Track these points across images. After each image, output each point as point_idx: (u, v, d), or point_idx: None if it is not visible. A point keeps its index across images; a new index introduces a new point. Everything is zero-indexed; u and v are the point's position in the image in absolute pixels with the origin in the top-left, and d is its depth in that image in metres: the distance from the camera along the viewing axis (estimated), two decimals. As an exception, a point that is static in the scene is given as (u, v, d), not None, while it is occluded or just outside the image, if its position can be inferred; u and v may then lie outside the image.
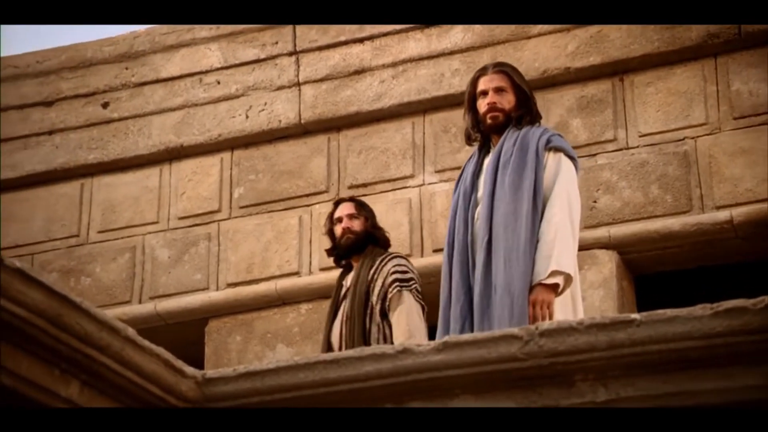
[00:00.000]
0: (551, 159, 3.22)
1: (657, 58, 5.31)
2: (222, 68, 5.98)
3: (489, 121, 3.32)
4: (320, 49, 5.85)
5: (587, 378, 2.17)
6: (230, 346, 5.55)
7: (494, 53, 5.56)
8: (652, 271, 5.27)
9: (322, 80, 5.82)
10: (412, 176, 5.60)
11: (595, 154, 5.34)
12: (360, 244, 3.96)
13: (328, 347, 3.89)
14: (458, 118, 5.65)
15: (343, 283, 4.01)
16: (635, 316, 2.19)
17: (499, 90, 3.33)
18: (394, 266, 3.85)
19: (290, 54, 5.91)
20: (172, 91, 6.05)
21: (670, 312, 2.17)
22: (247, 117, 5.90)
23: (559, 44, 5.46)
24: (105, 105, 6.15)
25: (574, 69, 5.42)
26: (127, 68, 6.15)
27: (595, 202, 5.27)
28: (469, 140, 3.43)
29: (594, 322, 2.20)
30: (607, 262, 5.13)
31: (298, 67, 5.88)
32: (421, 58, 5.67)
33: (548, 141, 3.26)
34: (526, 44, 5.52)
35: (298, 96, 5.85)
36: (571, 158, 3.32)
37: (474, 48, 5.59)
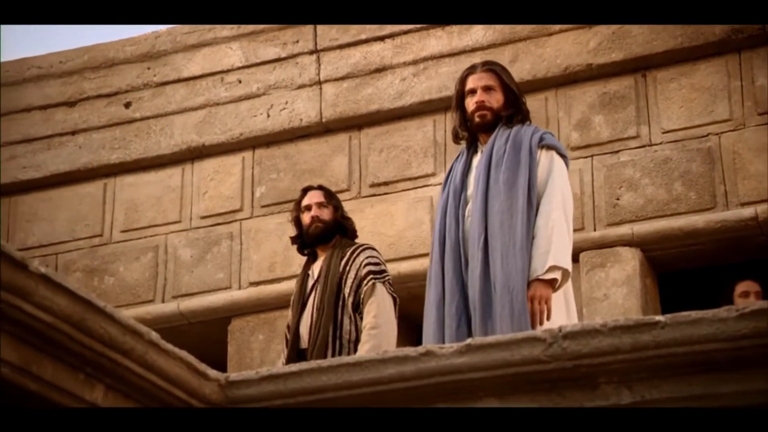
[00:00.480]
0: (544, 156, 3.21)
1: (680, 54, 5.27)
2: (243, 67, 5.99)
3: (477, 119, 3.31)
4: (341, 47, 5.85)
5: (611, 380, 2.16)
6: (253, 345, 5.56)
7: (515, 50, 5.54)
8: (676, 269, 5.24)
9: (343, 78, 5.81)
10: (433, 174, 5.59)
11: (617, 151, 5.31)
12: (328, 233, 3.90)
13: (296, 337, 3.81)
14: (479, 115, 5.64)
15: (309, 272, 3.93)
16: (659, 318, 2.17)
17: (487, 88, 3.32)
18: (367, 258, 3.81)
19: (311, 52, 5.91)
20: (194, 91, 6.06)
21: (694, 314, 2.15)
22: (268, 116, 5.91)
23: (581, 41, 5.43)
24: (127, 105, 6.17)
25: (596, 65, 5.38)
26: (149, 68, 6.17)
27: (618, 199, 5.24)
28: (456, 138, 3.43)
29: (618, 324, 2.19)
30: (631, 260, 5.10)
31: (319, 65, 5.88)
32: (442, 56, 5.65)
33: (541, 139, 3.24)
34: (548, 41, 5.49)
35: (319, 94, 5.85)
36: (563, 156, 3.30)
37: (495, 45, 5.57)
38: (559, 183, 3.16)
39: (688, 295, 4.99)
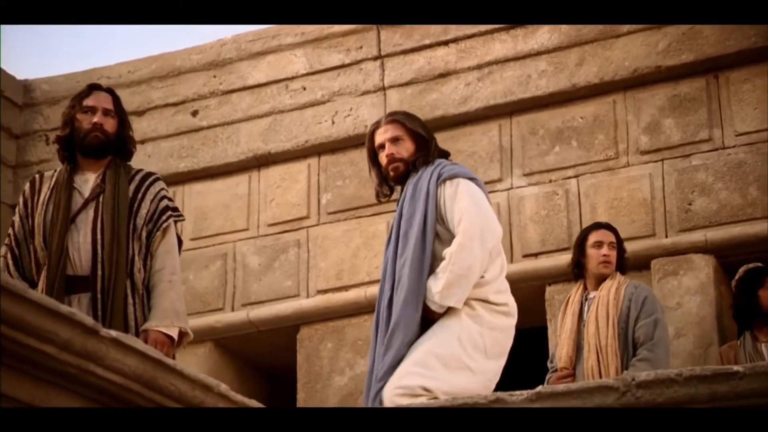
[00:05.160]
0: (448, 189, 3.11)
1: (753, 54, 5.12)
2: (307, 74, 6.00)
3: (391, 173, 3.25)
4: (405, 52, 5.81)
5: None
6: (322, 353, 5.59)
7: (582, 53, 5.44)
8: (752, 276, 5.10)
9: (407, 84, 5.78)
10: (499, 180, 5.54)
11: (689, 155, 5.19)
12: (107, 149, 3.28)
13: (64, 261, 3.14)
14: (546, 119, 5.57)
15: (75, 186, 3.26)
16: (738, 368, 2.11)
17: (395, 140, 3.24)
18: (162, 190, 3.33)
19: (375, 58, 5.89)
20: (259, 98, 6.09)
21: (774, 364, 2.08)
22: (333, 122, 5.91)
23: (650, 42, 5.31)
24: (194, 113, 6.23)
25: (666, 67, 5.26)
26: (214, 76, 6.22)
27: (690, 204, 5.12)
28: (379, 197, 3.33)
29: (694, 374, 2.13)
30: (704, 267, 4.99)
31: (383, 71, 5.86)
32: (507, 60, 5.58)
33: (439, 175, 3.14)
34: (615, 43, 5.38)
35: (383, 100, 5.83)
36: (472, 179, 3.18)
37: (561, 48, 5.48)
38: (467, 206, 3.05)
39: (764, 303, 4.85)
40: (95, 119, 3.26)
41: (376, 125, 3.32)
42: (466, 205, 3.07)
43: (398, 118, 3.31)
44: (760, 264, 4.65)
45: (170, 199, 3.34)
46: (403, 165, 3.22)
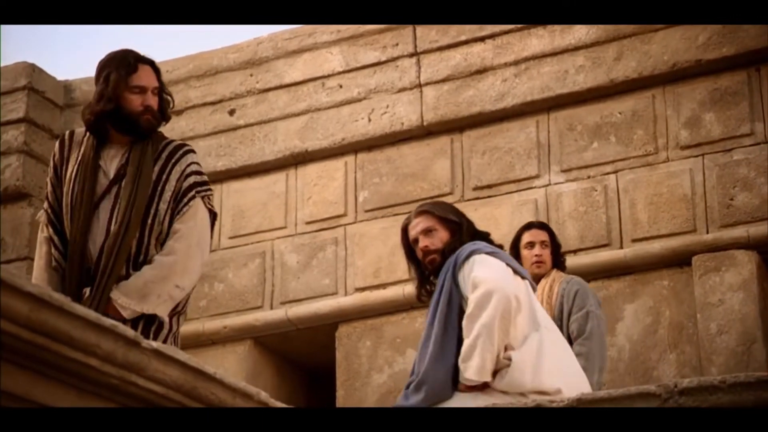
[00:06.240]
0: (466, 269, 3.05)
1: (796, 47, 5.04)
2: (344, 72, 6.00)
3: (429, 267, 3.18)
4: (441, 49, 5.80)
5: (730, 439, 2.08)
6: (361, 351, 5.60)
7: (620, 47, 5.38)
8: (795, 272, 5.04)
9: (443, 81, 5.76)
10: (537, 176, 5.51)
11: (730, 150, 5.12)
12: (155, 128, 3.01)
13: (83, 254, 2.90)
14: (584, 115, 5.52)
15: (101, 164, 3.00)
16: (782, 375, 2.08)
17: (427, 232, 3.18)
18: (190, 164, 3.00)
19: (411, 55, 5.88)
20: (296, 97, 6.11)
21: (819, 371, 2.05)
22: (369, 120, 5.91)
23: (689, 36, 5.24)
24: (231, 112, 6.26)
25: (706, 61, 5.19)
26: (251, 75, 6.24)
27: (731, 199, 5.06)
28: (420, 298, 3.26)
29: (738, 381, 2.10)
30: (747, 263, 4.92)
31: (419, 68, 5.84)
32: (544, 55, 5.54)
33: (456, 261, 3.08)
34: (654, 37, 5.32)
35: (419, 97, 5.82)
36: (489, 253, 3.08)
37: (599, 43, 5.43)
38: (483, 280, 2.98)
39: (808, 299, 4.79)
40: (148, 102, 2.99)
41: (407, 221, 3.26)
42: (480, 278, 3.01)
43: (427, 209, 3.25)
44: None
45: (199, 173, 3.01)
46: (440, 256, 3.15)
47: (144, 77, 3.01)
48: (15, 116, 6.36)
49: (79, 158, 3.02)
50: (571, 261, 5.26)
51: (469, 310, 2.99)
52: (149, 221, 2.92)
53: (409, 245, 3.24)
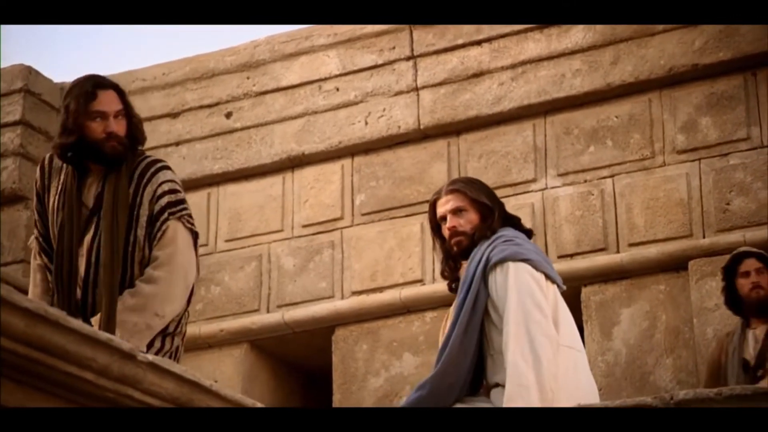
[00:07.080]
0: (499, 276, 2.89)
1: (793, 51, 5.04)
2: (340, 75, 6.00)
3: (455, 248, 3.01)
4: (438, 52, 5.80)
5: (725, 451, 2.08)
6: (357, 354, 5.61)
7: (617, 51, 5.39)
8: (792, 276, 5.03)
9: (440, 84, 5.77)
10: (534, 180, 5.51)
11: (726, 154, 5.13)
12: (124, 155, 2.90)
13: (73, 284, 2.84)
14: (581, 119, 5.53)
15: (82, 194, 2.92)
16: (777, 388, 2.09)
17: (456, 211, 3.01)
18: (162, 184, 2.89)
19: (408, 58, 5.88)
20: (293, 100, 6.11)
21: (815, 384, 2.05)
22: (366, 123, 5.91)
23: (686, 40, 5.25)
24: (228, 115, 6.26)
25: (703, 65, 5.20)
26: (248, 77, 6.24)
27: (727, 204, 5.06)
28: (444, 275, 3.08)
29: (734, 393, 2.11)
30: (743, 268, 4.92)
31: (416, 71, 5.85)
32: (541, 59, 5.54)
33: (488, 261, 2.91)
34: (651, 41, 5.33)
35: (416, 101, 5.82)
36: (524, 260, 2.91)
37: (596, 47, 5.43)
38: (518, 296, 2.83)
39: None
40: (110, 128, 2.87)
41: (437, 195, 3.10)
42: (512, 304, 2.86)
43: (459, 187, 3.08)
44: (744, 249, 4.45)
45: (173, 191, 2.88)
46: (467, 239, 2.98)
47: (104, 102, 2.89)
48: (11, 119, 6.35)
49: (59, 188, 2.95)
50: (567, 265, 5.28)
51: (520, 328, 2.81)
52: (129, 249, 2.84)
53: (436, 221, 3.08)
